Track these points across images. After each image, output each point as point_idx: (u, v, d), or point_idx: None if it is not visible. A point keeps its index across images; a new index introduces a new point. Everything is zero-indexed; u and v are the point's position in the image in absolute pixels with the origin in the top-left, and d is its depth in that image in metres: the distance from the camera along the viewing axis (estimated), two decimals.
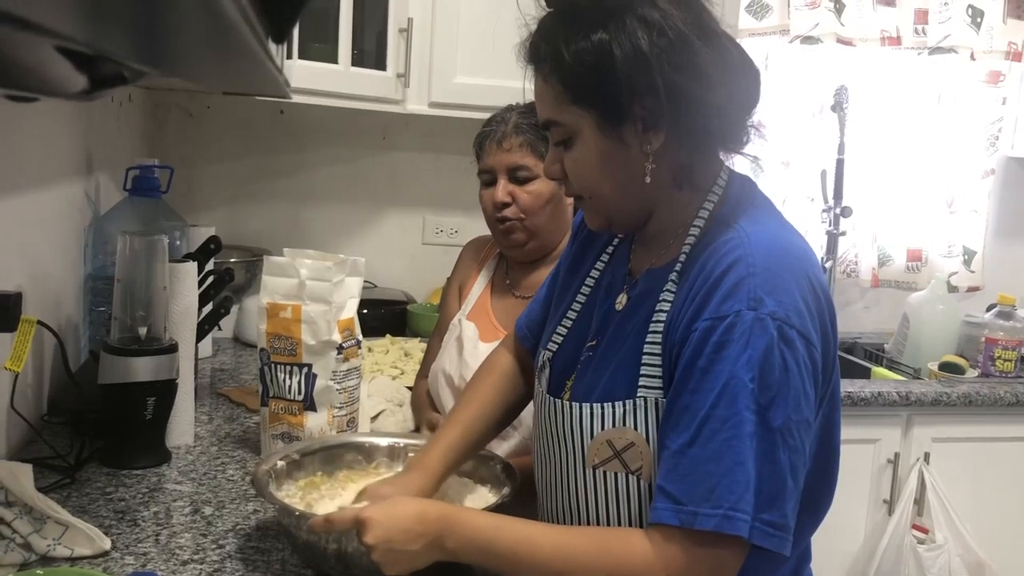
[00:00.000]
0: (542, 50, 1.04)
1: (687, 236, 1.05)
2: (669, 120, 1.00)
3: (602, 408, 1.04)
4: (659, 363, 1.01)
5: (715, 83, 0.99)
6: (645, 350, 1.03)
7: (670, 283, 1.04)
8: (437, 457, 1.22)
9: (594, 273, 1.21)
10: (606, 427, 1.03)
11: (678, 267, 1.04)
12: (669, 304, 1.03)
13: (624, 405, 1.02)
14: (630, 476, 1.02)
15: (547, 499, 1.15)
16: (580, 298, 1.20)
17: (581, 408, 1.06)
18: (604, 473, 1.04)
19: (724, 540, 0.92)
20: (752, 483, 0.91)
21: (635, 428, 1.01)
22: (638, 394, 1.02)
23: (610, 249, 1.21)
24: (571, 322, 1.19)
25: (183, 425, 1.58)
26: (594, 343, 1.13)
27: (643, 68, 0.97)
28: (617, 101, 1.00)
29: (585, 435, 1.05)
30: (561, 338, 1.19)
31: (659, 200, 1.08)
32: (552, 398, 1.12)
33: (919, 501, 2.38)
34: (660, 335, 1.02)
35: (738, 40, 1.11)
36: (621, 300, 1.12)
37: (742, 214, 1.03)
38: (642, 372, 1.02)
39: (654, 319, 1.03)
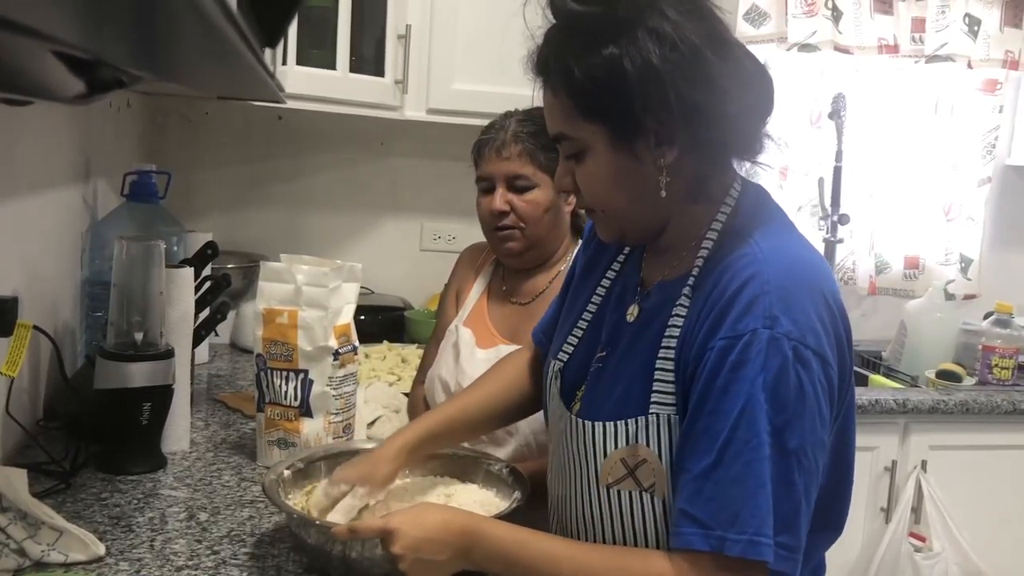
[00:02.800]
0: (551, 64, 1.02)
1: (700, 248, 1.04)
2: (683, 134, 0.98)
3: (615, 426, 1.03)
4: (672, 379, 1.00)
5: (730, 95, 0.98)
6: (658, 366, 1.01)
7: (683, 297, 1.02)
8: (411, 433, 1.25)
9: (604, 282, 1.19)
10: (619, 445, 1.02)
11: (691, 280, 1.03)
12: (682, 319, 1.01)
13: (636, 422, 1.01)
14: (643, 494, 1.01)
15: (560, 514, 1.14)
16: (591, 307, 1.19)
17: (594, 427, 1.05)
18: (618, 492, 1.03)
19: (749, 566, 0.91)
20: (771, 506, 0.91)
21: (647, 445, 1.00)
22: (650, 411, 1.00)
23: (621, 258, 1.20)
24: (582, 332, 1.18)
25: (179, 431, 1.57)
26: (604, 354, 1.12)
27: (656, 83, 0.96)
28: (630, 116, 0.98)
29: (599, 453, 1.05)
30: (572, 347, 1.18)
31: (673, 212, 1.07)
32: (568, 414, 1.11)
33: (916, 509, 2.38)
34: (673, 351, 1.01)
35: None
36: (632, 311, 1.11)
37: (757, 227, 1.02)
38: (654, 388, 1.01)
39: (667, 334, 1.02)
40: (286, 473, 1.27)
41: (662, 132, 0.99)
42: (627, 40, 0.96)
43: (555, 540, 1.04)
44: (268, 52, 0.84)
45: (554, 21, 1.04)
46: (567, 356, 1.18)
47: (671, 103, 0.96)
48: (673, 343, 1.01)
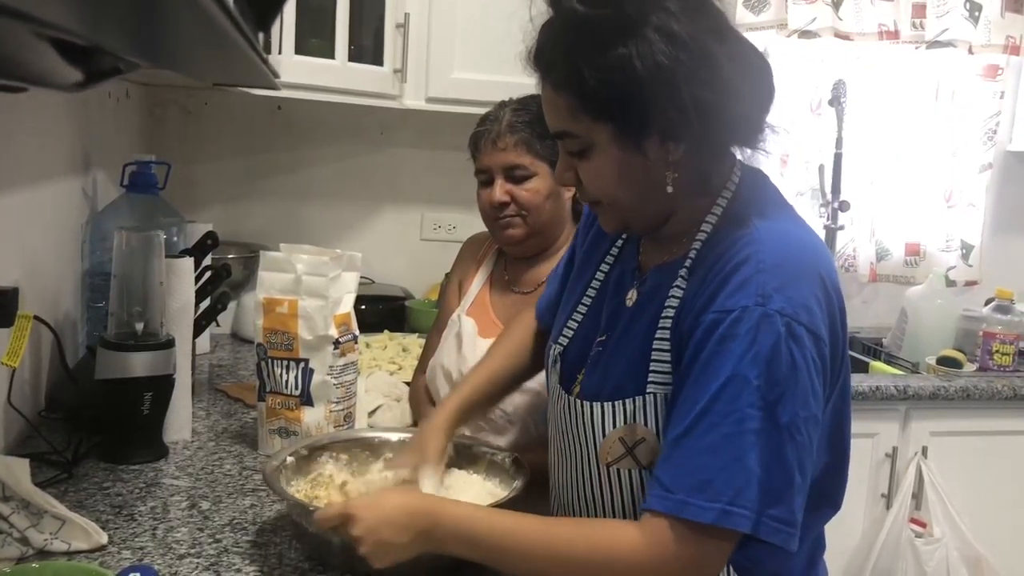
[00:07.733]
0: (558, 63, 1.00)
1: (699, 232, 1.05)
2: (691, 130, 0.98)
3: (613, 406, 1.03)
4: (668, 359, 1.01)
5: (738, 92, 0.98)
6: (655, 345, 1.02)
7: (680, 278, 1.03)
8: (453, 404, 1.29)
9: (603, 267, 1.20)
10: (618, 425, 1.03)
11: (688, 263, 1.03)
12: (678, 300, 1.02)
13: (634, 402, 1.02)
14: (643, 472, 1.02)
15: (562, 495, 1.15)
16: (590, 292, 1.20)
17: (592, 407, 1.06)
18: (618, 471, 1.04)
19: (718, 533, 0.92)
20: (756, 479, 0.91)
21: (645, 424, 1.01)
22: (648, 390, 1.01)
23: (619, 243, 1.21)
24: (581, 316, 1.19)
25: (180, 420, 1.58)
26: (604, 338, 1.12)
27: (666, 83, 0.95)
28: (639, 115, 0.97)
29: (598, 433, 1.05)
30: (572, 332, 1.19)
31: (677, 204, 1.07)
32: (566, 396, 1.11)
33: (917, 495, 2.38)
34: (669, 331, 1.01)
35: None
36: (631, 296, 1.11)
37: (755, 211, 1.03)
38: (651, 368, 1.02)
39: (663, 314, 1.03)
40: (289, 460, 1.28)
41: (670, 130, 0.98)
42: (636, 40, 0.95)
43: (521, 516, 1.02)
44: (262, 37, 0.84)
45: (551, 13, 1.02)
46: (567, 341, 1.19)
47: (682, 102, 0.95)
48: (669, 323, 1.02)
